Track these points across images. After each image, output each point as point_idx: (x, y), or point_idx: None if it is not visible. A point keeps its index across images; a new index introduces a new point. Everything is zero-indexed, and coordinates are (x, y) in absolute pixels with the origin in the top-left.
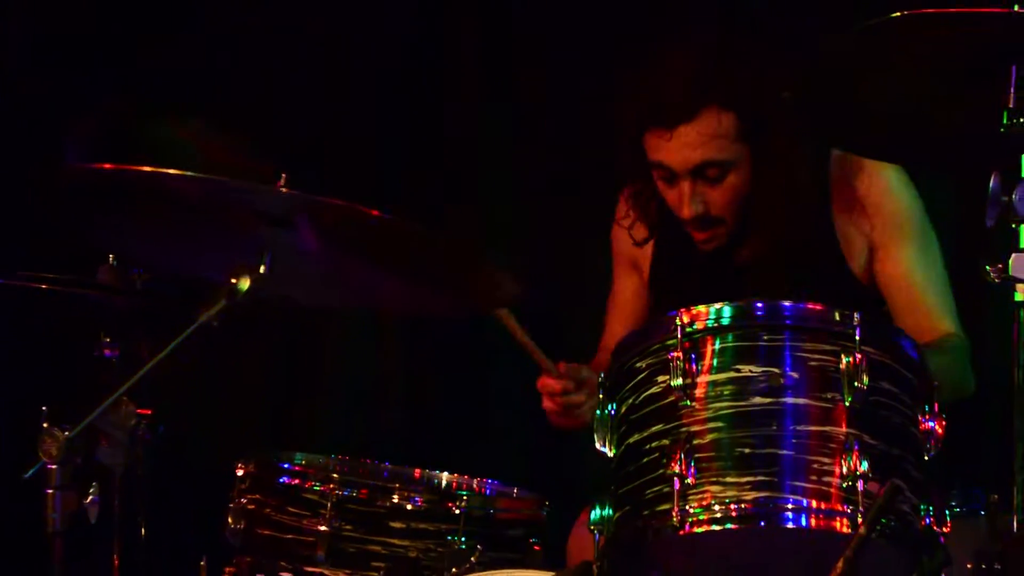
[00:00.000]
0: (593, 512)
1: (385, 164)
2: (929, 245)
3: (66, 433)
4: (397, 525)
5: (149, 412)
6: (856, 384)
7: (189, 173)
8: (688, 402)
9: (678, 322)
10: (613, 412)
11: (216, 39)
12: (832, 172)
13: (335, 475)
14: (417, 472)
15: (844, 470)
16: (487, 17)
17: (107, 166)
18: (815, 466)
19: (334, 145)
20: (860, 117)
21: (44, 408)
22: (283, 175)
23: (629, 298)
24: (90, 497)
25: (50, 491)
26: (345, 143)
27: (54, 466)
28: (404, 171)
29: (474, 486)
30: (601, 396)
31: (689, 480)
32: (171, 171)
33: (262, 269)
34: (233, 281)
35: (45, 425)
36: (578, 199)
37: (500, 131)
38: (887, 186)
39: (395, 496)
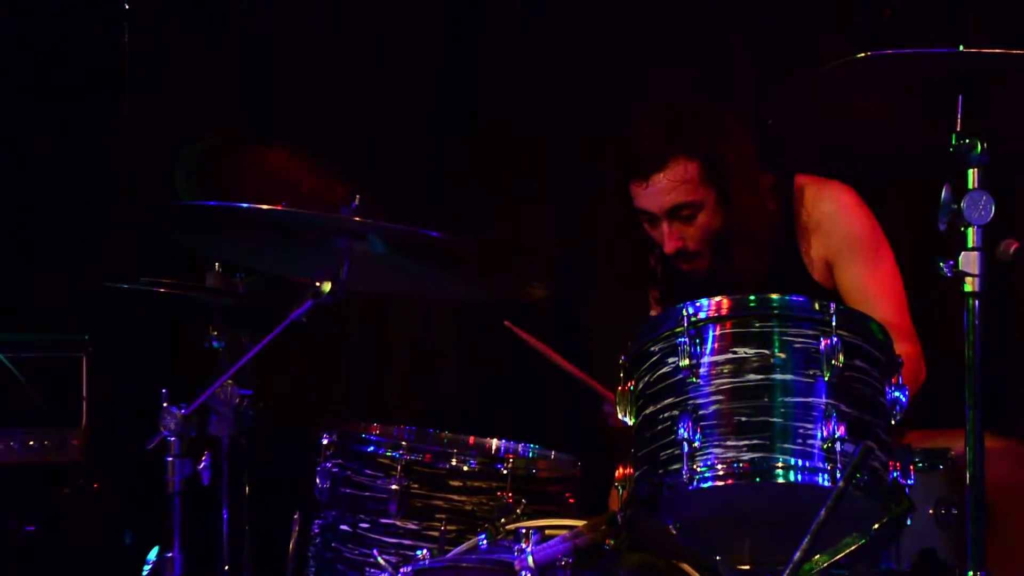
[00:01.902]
0: (617, 471)
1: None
2: (881, 261)
3: (182, 411)
4: (455, 483)
5: (250, 392)
6: (833, 362)
7: (280, 207)
8: (694, 379)
9: (684, 313)
10: (632, 388)
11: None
12: (795, 197)
13: (404, 442)
14: (472, 439)
15: (824, 434)
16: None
17: (213, 203)
18: (800, 431)
19: (390, 162)
20: (830, 143)
21: (164, 390)
22: (357, 196)
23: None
24: (203, 463)
25: (170, 459)
26: (399, 160)
27: (173, 438)
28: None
29: (519, 450)
30: (621, 375)
31: (696, 444)
32: (265, 206)
33: (342, 274)
34: (317, 284)
35: (165, 404)
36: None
37: (530, 138)
38: (841, 208)
39: (453, 459)
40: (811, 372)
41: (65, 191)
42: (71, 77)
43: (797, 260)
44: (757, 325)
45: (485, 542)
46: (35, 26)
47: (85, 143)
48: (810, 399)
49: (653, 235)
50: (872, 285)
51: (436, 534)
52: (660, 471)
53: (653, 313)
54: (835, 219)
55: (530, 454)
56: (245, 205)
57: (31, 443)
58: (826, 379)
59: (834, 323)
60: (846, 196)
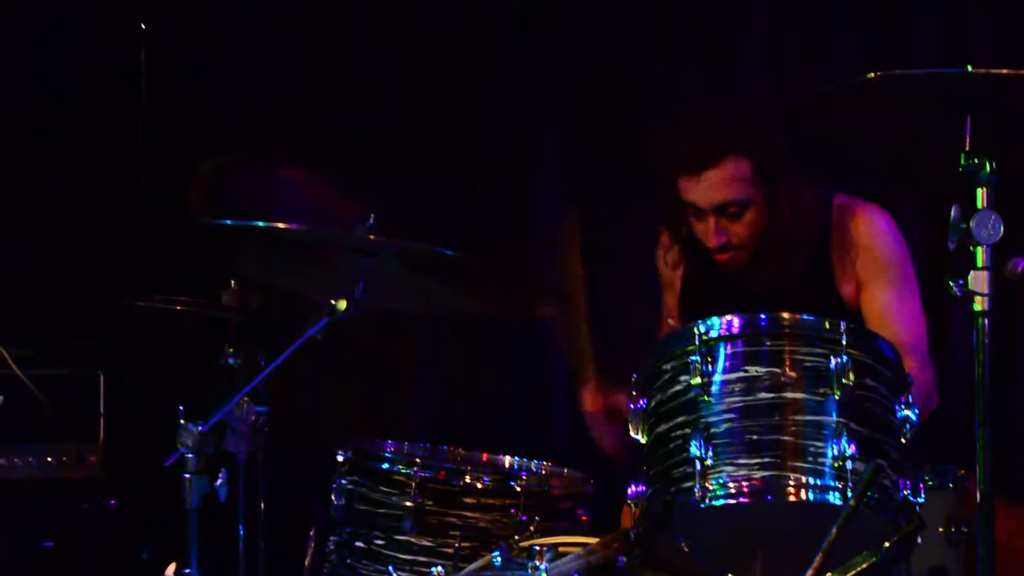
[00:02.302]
0: (629, 489)
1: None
2: (906, 285)
3: (199, 428)
4: (470, 500)
5: (266, 409)
6: (844, 381)
7: (295, 226)
8: (706, 397)
9: (696, 331)
10: (644, 406)
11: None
12: (833, 217)
13: (418, 459)
14: (485, 456)
15: (835, 452)
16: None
17: (229, 222)
18: (811, 449)
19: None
20: (844, 159)
21: (181, 407)
22: (372, 215)
23: (671, 311)
24: (219, 480)
25: (187, 475)
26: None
27: (190, 455)
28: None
29: (532, 467)
30: (634, 392)
31: (708, 462)
32: (281, 224)
33: (357, 292)
34: (333, 302)
35: (182, 421)
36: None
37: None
38: (877, 231)
39: (467, 476)
40: (821, 391)
41: (82, 210)
42: (87, 96)
43: (829, 276)
44: (768, 344)
45: (499, 559)
46: (53, 46)
47: (101, 162)
48: (821, 417)
49: (697, 228)
50: (896, 309)
51: (451, 551)
52: (672, 489)
53: (669, 322)
54: (870, 240)
55: (543, 471)
56: (261, 224)
57: (49, 459)
58: (836, 397)
59: (844, 342)
60: (883, 219)
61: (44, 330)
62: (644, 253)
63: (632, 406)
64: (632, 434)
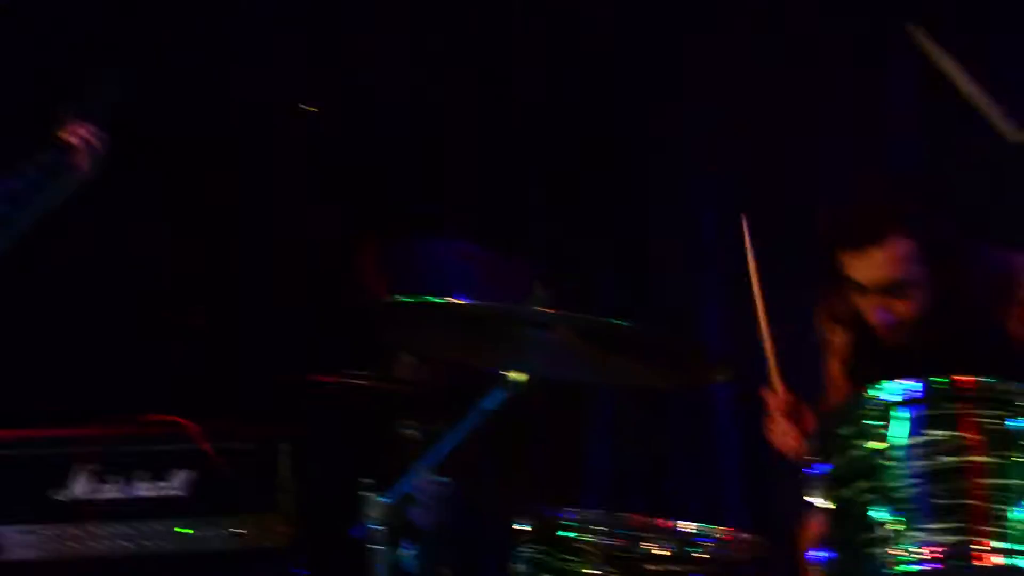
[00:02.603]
0: (814, 553)
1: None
2: None
3: (385, 499)
4: (653, 567)
5: (448, 479)
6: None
7: (473, 302)
8: (887, 462)
9: (873, 396)
10: (823, 470)
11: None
12: (1008, 275)
13: (599, 527)
14: (664, 522)
15: (1022, 515)
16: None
17: (409, 299)
18: (997, 513)
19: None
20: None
21: (367, 479)
22: (539, 285)
23: (835, 377)
24: (406, 550)
25: (374, 546)
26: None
27: (377, 526)
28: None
29: (712, 532)
30: (813, 458)
31: (893, 528)
32: (458, 302)
33: (532, 366)
34: (509, 374)
35: (369, 493)
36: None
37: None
38: None
39: (649, 543)
40: (1004, 453)
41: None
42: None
43: (1003, 331)
44: (946, 407)
45: None
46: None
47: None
48: (1005, 480)
49: (860, 304)
50: None
51: None
52: (858, 555)
53: (830, 392)
54: None
55: (723, 536)
56: (436, 300)
57: (235, 531)
58: (1020, 460)
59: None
60: None
61: (230, 405)
62: (799, 320)
63: (809, 471)
64: (813, 500)
